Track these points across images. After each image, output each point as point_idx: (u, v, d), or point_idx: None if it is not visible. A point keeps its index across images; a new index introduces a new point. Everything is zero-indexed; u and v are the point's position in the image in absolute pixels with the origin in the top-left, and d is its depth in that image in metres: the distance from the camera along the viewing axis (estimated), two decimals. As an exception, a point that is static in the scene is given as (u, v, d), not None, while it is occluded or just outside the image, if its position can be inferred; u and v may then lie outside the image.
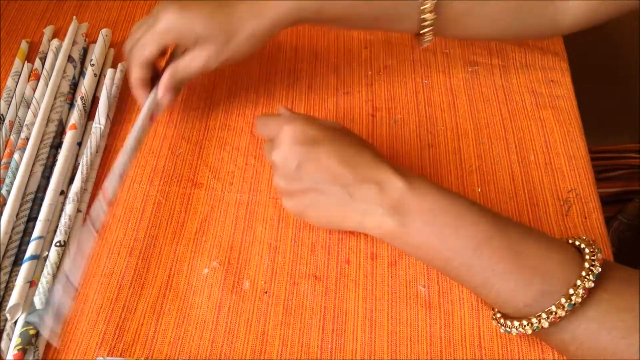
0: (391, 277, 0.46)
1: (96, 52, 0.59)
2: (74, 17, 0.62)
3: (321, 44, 0.62)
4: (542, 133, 0.54)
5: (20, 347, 0.41)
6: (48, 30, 0.62)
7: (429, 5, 0.47)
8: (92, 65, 0.58)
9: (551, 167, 0.51)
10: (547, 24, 0.52)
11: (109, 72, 0.58)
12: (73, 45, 0.59)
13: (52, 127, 0.53)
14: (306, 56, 0.61)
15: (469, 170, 0.52)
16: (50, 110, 0.54)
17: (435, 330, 0.43)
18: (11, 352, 0.40)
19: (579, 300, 0.34)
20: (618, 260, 0.47)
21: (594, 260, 0.36)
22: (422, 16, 0.48)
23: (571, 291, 0.35)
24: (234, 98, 0.58)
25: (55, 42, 0.60)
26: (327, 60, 0.60)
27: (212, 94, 0.58)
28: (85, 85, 0.56)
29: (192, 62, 0.48)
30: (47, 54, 0.59)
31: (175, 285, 0.46)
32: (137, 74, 0.50)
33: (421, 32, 0.49)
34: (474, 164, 0.52)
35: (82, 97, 0.55)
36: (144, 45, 0.48)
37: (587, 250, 0.37)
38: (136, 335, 0.43)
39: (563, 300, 0.35)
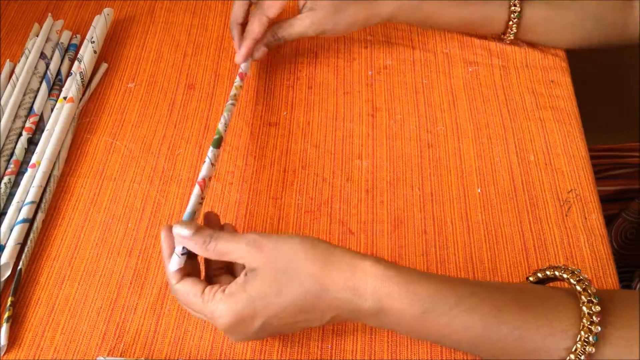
0: (391, 277, 0.46)
1: (97, 30, 0.60)
2: (49, 14, 0.62)
3: (321, 44, 0.62)
4: (542, 133, 0.54)
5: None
6: (34, 29, 0.62)
7: (518, 8, 0.54)
8: (93, 42, 0.59)
9: (551, 168, 0.52)
10: (624, 35, 0.56)
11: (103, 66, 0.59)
12: (47, 42, 0.60)
13: (19, 123, 0.54)
14: (306, 56, 0.61)
15: (469, 171, 0.52)
16: (18, 107, 0.55)
17: (435, 330, 0.43)
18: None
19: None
20: (621, 257, 0.47)
21: (591, 315, 0.35)
22: (510, 22, 0.56)
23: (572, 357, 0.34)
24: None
25: (31, 41, 0.60)
26: (327, 60, 0.60)
27: (212, 94, 0.58)
28: (85, 62, 0.58)
29: (296, 24, 0.54)
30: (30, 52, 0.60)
31: (175, 285, 0.46)
32: (256, 30, 0.54)
33: (504, 35, 0.58)
34: (474, 164, 0.52)
35: (82, 72, 0.57)
36: (269, 3, 0.53)
37: (583, 298, 0.35)
38: (136, 336, 0.43)
39: None
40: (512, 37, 0.57)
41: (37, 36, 0.60)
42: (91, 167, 0.53)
